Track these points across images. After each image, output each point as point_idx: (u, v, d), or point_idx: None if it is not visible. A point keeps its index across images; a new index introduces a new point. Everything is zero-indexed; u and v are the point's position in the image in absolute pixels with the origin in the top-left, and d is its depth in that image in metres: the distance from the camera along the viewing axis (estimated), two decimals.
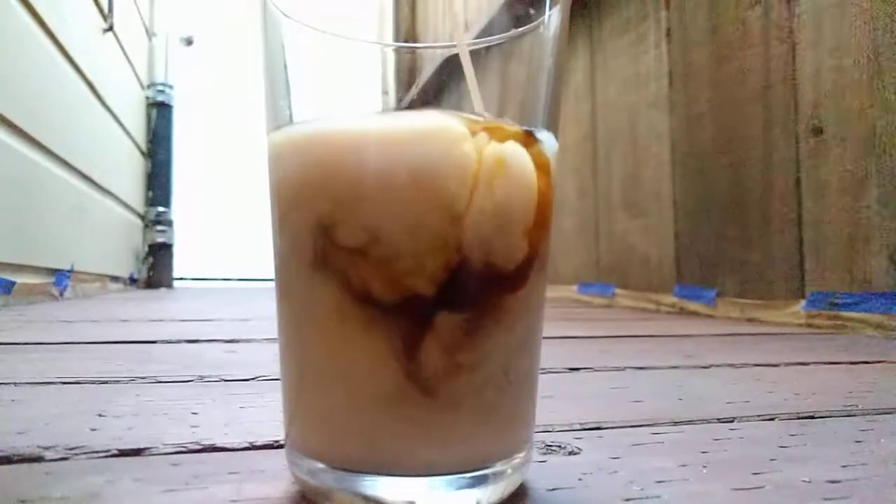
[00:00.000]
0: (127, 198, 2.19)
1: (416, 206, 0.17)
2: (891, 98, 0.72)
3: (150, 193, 2.54)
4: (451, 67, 0.19)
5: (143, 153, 2.50)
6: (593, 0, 1.44)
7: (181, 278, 2.73)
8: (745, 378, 0.42)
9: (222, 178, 3.03)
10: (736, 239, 0.98)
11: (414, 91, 0.21)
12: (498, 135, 0.18)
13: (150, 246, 2.51)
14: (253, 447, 0.24)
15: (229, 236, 3.00)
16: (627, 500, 0.19)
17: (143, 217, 2.52)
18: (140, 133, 2.44)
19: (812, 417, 0.31)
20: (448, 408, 0.18)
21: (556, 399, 0.35)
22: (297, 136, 0.19)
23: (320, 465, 0.18)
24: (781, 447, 0.26)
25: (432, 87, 0.20)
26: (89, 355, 0.49)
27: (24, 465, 0.22)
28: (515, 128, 0.19)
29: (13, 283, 1.12)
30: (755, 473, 0.22)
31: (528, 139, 0.19)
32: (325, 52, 0.19)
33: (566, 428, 0.28)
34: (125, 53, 2.10)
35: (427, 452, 0.18)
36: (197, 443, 0.25)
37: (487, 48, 0.18)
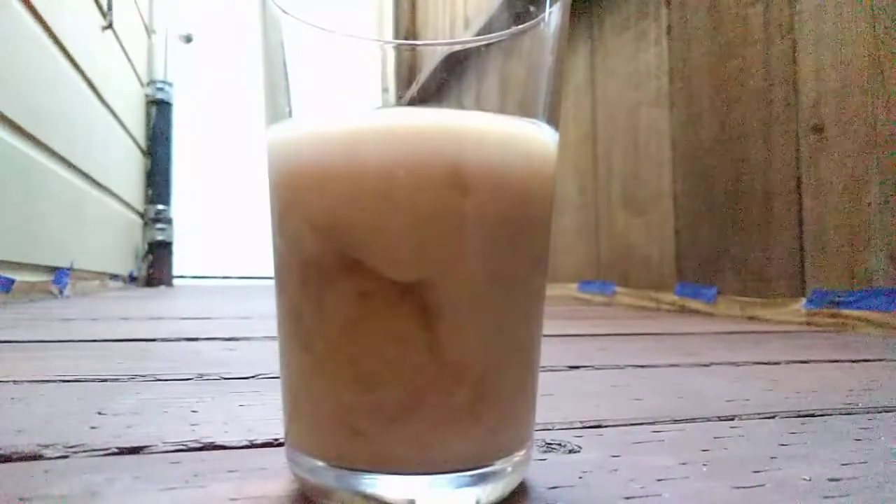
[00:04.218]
0: (126, 196, 2.20)
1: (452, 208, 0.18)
2: (892, 96, 0.72)
3: (150, 191, 2.54)
4: (451, 64, 0.18)
5: (142, 151, 2.50)
6: None
7: (181, 276, 2.73)
8: (746, 376, 0.42)
9: (222, 176, 3.03)
10: (736, 237, 0.98)
11: (414, 88, 0.21)
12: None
13: (150, 244, 2.51)
14: (253, 445, 0.24)
15: (229, 234, 3.00)
16: (628, 498, 0.19)
17: (142, 215, 2.52)
18: (139, 131, 2.44)
19: (812, 415, 0.31)
20: (448, 407, 0.18)
21: (556, 397, 0.35)
22: (298, 132, 0.19)
23: (320, 464, 0.18)
24: (782, 445, 0.26)
25: (432, 84, 0.19)
26: (89, 353, 0.49)
27: (24, 464, 0.22)
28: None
29: (13, 281, 1.12)
30: (755, 471, 0.22)
31: None
32: (324, 50, 0.19)
33: (566, 426, 0.28)
34: (125, 51, 2.10)
35: (427, 451, 0.18)
36: (197, 441, 0.25)
37: (487, 45, 0.18)
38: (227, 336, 0.60)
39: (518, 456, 0.19)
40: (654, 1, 1.21)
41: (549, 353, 0.46)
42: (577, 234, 1.52)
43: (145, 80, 2.51)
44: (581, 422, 0.29)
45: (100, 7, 1.76)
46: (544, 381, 0.36)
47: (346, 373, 0.18)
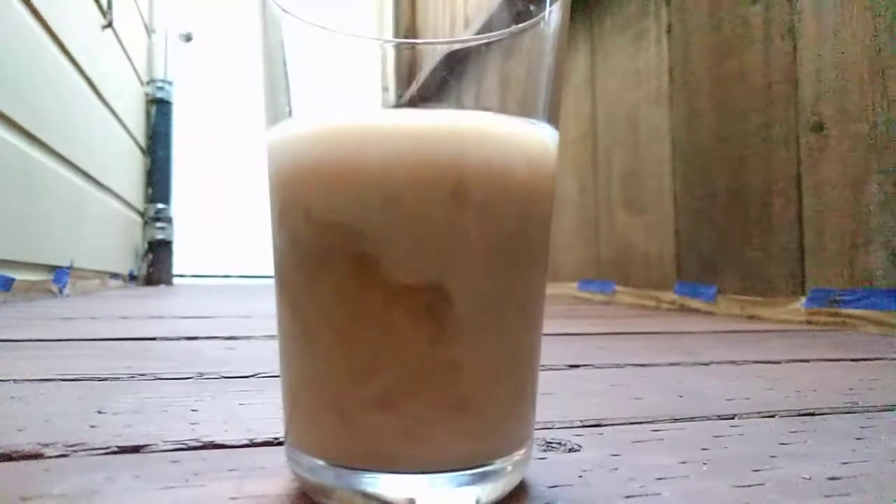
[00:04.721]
0: (126, 195, 2.19)
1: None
2: (892, 94, 0.72)
3: (150, 190, 2.54)
4: (451, 63, 0.18)
5: (142, 150, 2.50)
6: None
7: (181, 275, 2.73)
8: (746, 375, 0.42)
9: (222, 175, 3.03)
10: (736, 236, 0.98)
11: (414, 87, 0.21)
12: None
13: (150, 243, 2.51)
14: (253, 444, 0.24)
15: (229, 233, 3.00)
16: (628, 497, 0.19)
17: (142, 214, 2.52)
18: (139, 130, 2.43)
19: (812, 414, 0.31)
20: (448, 405, 0.18)
21: (556, 396, 0.35)
22: (298, 132, 0.19)
23: (320, 463, 0.18)
24: (782, 444, 0.26)
25: (433, 83, 0.19)
26: (89, 352, 0.49)
27: (24, 463, 0.22)
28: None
29: (13, 280, 1.12)
30: (755, 470, 0.22)
31: None
32: (324, 49, 0.19)
33: (566, 425, 0.28)
34: (124, 50, 2.10)
35: (427, 450, 0.18)
36: (196, 440, 0.25)
37: (488, 44, 0.18)
38: (227, 335, 0.60)
39: (518, 455, 0.19)
40: (654, 1, 1.21)
41: (549, 351, 0.46)
42: (576, 233, 1.52)
43: (145, 79, 2.51)
44: (581, 421, 0.29)
45: (100, 6, 1.76)
46: (544, 379, 0.36)
47: (346, 371, 0.18)
